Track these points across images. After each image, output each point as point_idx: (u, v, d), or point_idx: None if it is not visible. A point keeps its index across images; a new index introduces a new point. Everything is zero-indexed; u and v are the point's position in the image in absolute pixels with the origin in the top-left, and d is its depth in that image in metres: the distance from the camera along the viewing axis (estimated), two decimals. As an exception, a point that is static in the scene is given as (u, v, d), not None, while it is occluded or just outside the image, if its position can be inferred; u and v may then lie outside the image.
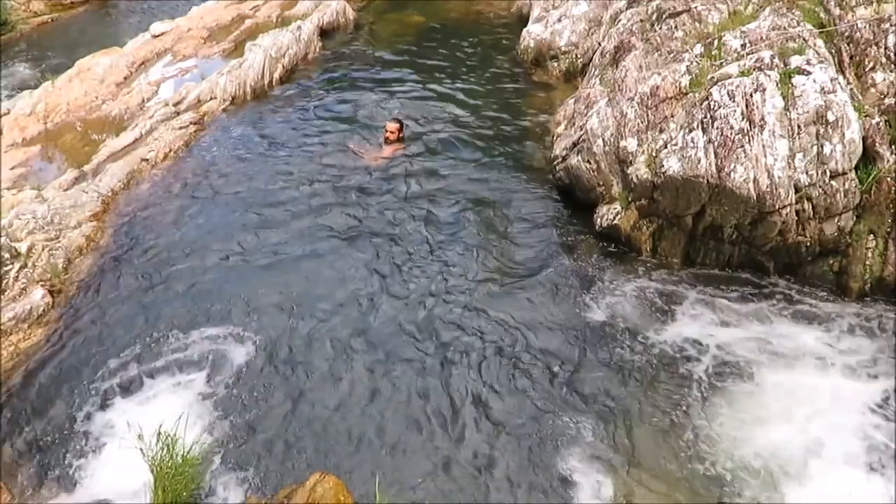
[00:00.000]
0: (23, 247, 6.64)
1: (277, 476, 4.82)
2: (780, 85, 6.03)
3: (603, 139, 6.93)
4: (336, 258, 6.80)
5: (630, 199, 6.71)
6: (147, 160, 8.28)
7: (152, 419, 4.98)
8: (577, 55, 9.89)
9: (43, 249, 6.69)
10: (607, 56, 8.21)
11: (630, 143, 6.67)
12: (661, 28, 7.50)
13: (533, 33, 10.47)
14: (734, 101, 6.04)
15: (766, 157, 5.84)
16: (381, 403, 5.34)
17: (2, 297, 6.27)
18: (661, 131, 6.52)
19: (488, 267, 6.70)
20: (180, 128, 8.89)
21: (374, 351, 5.80)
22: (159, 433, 4.65)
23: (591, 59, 9.11)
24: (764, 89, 6.00)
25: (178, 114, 9.27)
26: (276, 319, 6.10)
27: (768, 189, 5.82)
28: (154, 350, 5.78)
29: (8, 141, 8.83)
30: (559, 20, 10.33)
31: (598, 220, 6.95)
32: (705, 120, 6.16)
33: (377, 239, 7.02)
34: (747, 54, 6.41)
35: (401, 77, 10.31)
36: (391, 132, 8.46)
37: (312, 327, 6.02)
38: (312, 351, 5.81)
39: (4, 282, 6.33)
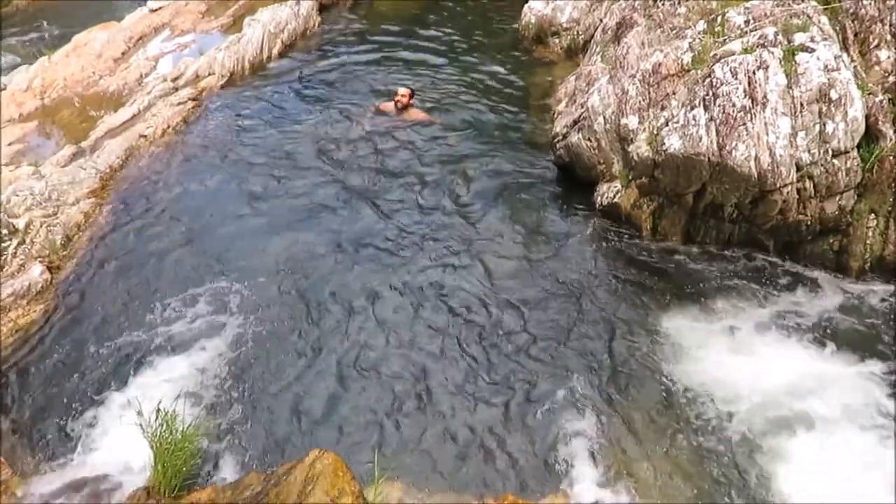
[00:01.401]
0: (20, 223, 6.61)
1: (277, 452, 4.82)
2: (783, 62, 5.95)
3: (604, 117, 6.87)
4: (338, 225, 6.84)
5: (630, 177, 6.66)
6: (145, 136, 8.22)
7: (152, 394, 5.02)
8: (578, 31, 9.80)
9: (41, 226, 6.66)
10: (609, 32, 8.12)
11: (631, 121, 6.61)
12: (663, 4, 7.40)
13: (534, 9, 10.35)
14: (737, 79, 5.97)
15: (767, 135, 5.79)
16: (384, 380, 5.33)
17: (0, 273, 6.25)
18: (663, 109, 6.46)
19: (486, 239, 6.69)
20: (178, 103, 8.82)
21: (376, 325, 5.79)
22: (158, 409, 4.64)
23: (592, 36, 9.03)
24: (767, 67, 5.93)
25: (176, 89, 9.20)
26: (277, 291, 6.10)
27: (770, 167, 5.77)
28: (152, 325, 5.77)
29: (5, 117, 8.76)
30: (561, -4, 10.20)
31: (599, 198, 6.91)
32: (707, 97, 6.10)
33: (378, 207, 7.04)
34: (750, 31, 6.32)
35: (400, 53, 10.23)
36: (402, 96, 8.54)
37: (314, 298, 6.02)
38: (314, 324, 5.79)
39: (3, 258, 6.30)
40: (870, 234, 6.00)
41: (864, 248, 6.01)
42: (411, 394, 5.24)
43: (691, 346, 5.53)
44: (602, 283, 6.22)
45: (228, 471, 4.71)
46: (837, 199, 5.94)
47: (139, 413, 4.60)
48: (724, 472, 4.63)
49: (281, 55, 10.20)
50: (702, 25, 6.72)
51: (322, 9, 11.52)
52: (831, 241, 6.11)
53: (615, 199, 6.74)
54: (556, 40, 10.02)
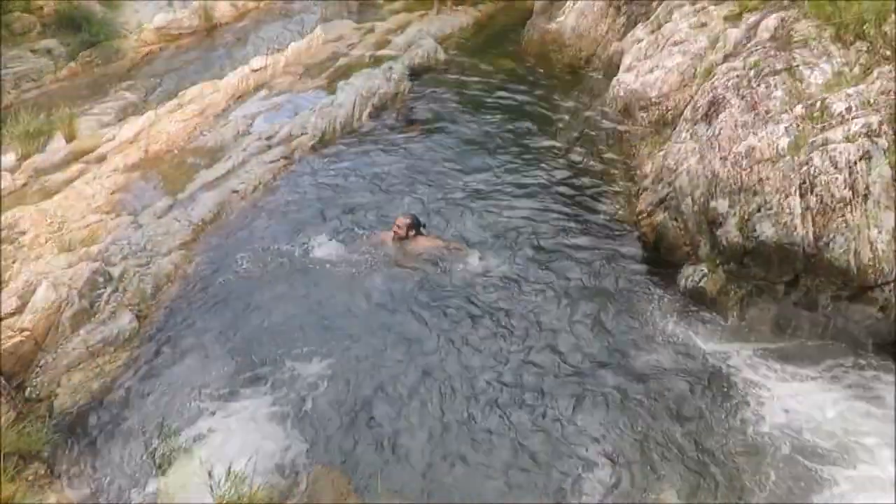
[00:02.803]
0: (116, 271, 6.89)
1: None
2: (887, 153, 5.69)
3: (692, 197, 6.71)
4: (421, 314, 6.70)
5: (718, 261, 6.45)
6: (237, 192, 8.51)
7: (223, 455, 5.06)
8: (667, 107, 9.63)
9: (134, 275, 6.92)
10: (699, 111, 7.95)
11: (721, 204, 6.43)
12: (758, 86, 7.22)
13: (623, 83, 10.29)
14: (836, 168, 5.74)
15: (869, 228, 5.51)
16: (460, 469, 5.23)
17: (94, 318, 6.49)
18: (755, 194, 6.25)
19: (567, 317, 6.56)
20: (271, 161, 9.12)
21: (440, 396, 5.73)
22: (228, 472, 4.66)
23: (681, 113, 8.87)
24: (870, 157, 5.68)
25: (269, 147, 9.52)
26: (356, 361, 6.09)
27: (871, 263, 5.47)
28: (231, 383, 5.86)
29: (111, 166, 9.22)
30: (651, 71, 10.12)
31: (683, 280, 6.70)
32: (804, 185, 5.87)
33: (453, 296, 6.92)
34: (853, 119, 6.09)
35: (486, 123, 10.32)
36: (399, 227, 7.44)
37: (392, 371, 6.00)
38: (393, 398, 5.76)
39: (96, 304, 6.55)
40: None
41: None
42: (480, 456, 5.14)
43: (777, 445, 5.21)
44: (682, 366, 5.98)
45: (294, 539, 4.66)
46: (945, 300, 5.57)
47: (209, 474, 4.63)
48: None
49: (371, 118, 10.46)
50: (799, 110, 6.51)
51: (414, 74, 11.82)
52: (939, 344, 5.72)
53: (701, 283, 6.51)
54: (644, 115, 9.87)
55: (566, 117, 10.34)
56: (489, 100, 11.02)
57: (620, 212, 8.07)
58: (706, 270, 6.53)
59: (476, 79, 11.79)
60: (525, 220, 7.97)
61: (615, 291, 6.87)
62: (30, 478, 4.85)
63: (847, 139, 5.88)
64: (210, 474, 4.65)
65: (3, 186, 8.75)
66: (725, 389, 5.73)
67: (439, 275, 7.13)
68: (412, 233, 7.43)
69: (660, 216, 6.99)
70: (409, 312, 6.67)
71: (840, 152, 5.79)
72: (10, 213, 8.15)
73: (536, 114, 10.44)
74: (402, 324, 6.55)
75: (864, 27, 6.91)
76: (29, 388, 5.87)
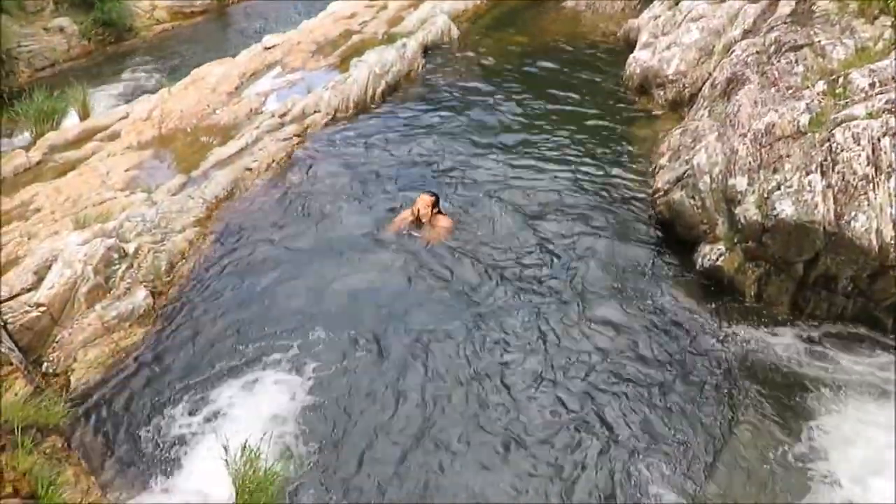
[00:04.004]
0: (131, 247, 6.87)
1: (357, 500, 4.75)
2: (912, 130, 5.57)
3: (710, 175, 6.61)
4: (442, 291, 6.67)
5: (736, 240, 6.35)
6: (251, 169, 8.47)
7: (239, 429, 5.05)
8: (684, 85, 9.51)
9: (149, 252, 6.90)
10: (718, 88, 7.83)
11: (740, 182, 6.32)
12: (779, 62, 7.09)
13: (639, 60, 10.17)
14: (859, 145, 5.62)
15: (892, 206, 5.40)
16: (472, 435, 5.21)
17: (109, 294, 6.49)
18: (775, 171, 6.14)
19: (579, 294, 6.52)
20: (284, 139, 9.08)
21: (473, 383, 5.66)
22: (244, 447, 4.66)
23: (699, 90, 8.74)
24: (894, 133, 5.55)
25: (282, 125, 9.47)
26: (369, 340, 6.06)
27: (892, 241, 5.37)
28: (244, 360, 5.85)
29: (125, 143, 9.21)
30: (668, 47, 9.99)
31: (700, 259, 6.62)
32: (825, 163, 5.76)
33: (477, 276, 6.85)
34: (876, 94, 5.96)
35: (500, 99, 10.22)
36: (423, 206, 7.31)
37: (409, 348, 5.97)
38: (408, 373, 5.73)
39: (111, 281, 6.56)
40: None
41: None
42: (497, 445, 5.11)
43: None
44: (699, 350, 5.92)
45: (308, 515, 4.67)
46: (968, 279, 5.47)
47: (225, 448, 4.64)
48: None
49: (385, 96, 10.38)
50: (821, 86, 6.38)
51: (427, 51, 11.71)
52: (959, 324, 5.63)
53: (718, 262, 6.43)
54: (661, 92, 9.76)
55: (582, 95, 10.19)
56: (503, 77, 10.90)
57: (636, 189, 7.97)
58: (723, 249, 6.44)
59: (490, 56, 11.66)
60: (538, 197, 7.89)
61: (629, 270, 6.80)
62: (47, 451, 4.87)
63: (870, 115, 5.75)
64: (225, 449, 4.64)
65: (18, 164, 8.76)
66: (743, 371, 5.66)
67: (460, 253, 7.06)
68: (434, 210, 7.34)
69: (676, 194, 6.88)
70: (433, 292, 6.64)
71: (863, 129, 5.67)
72: (25, 190, 8.17)
73: (551, 91, 10.31)
74: (426, 303, 6.51)
75: (889, 2, 6.76)
76: (46, 363, 5.89)
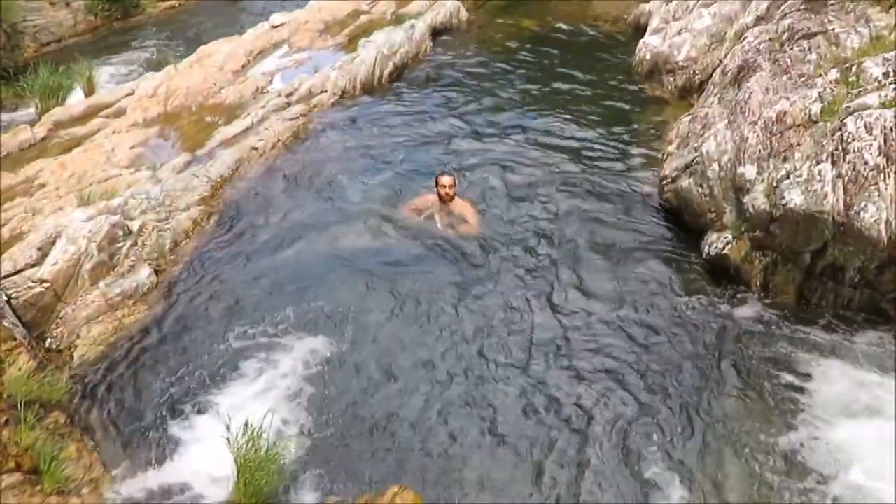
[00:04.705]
0: (135, 225, 6.86)
1: (358, 481, 4.75)
2: (925, 120, 5.51)
3: (719, 163, 6.56)
4: (442, 270, 6.65)
5: (743, 229, 6.31)
6: (256, 149, 8.45)
7: (241, 409, 5.06)
8: (695, 71, 9.45)
9: (153, 229, 6.89)
10: (729, 75, 7.75)
11: (749, 170, 6.27)
12: (791, 49, 7.01)
13: (650, 45, 10.09)
14: (871, 135, 5.56)
15: (902, 197, 5.35)
16: (472, 419, 5.19)
17: (113, 272, 6.49)
18: (785, 160, 6.08)
19: (584, 281, 6.47)
20: (290, 119, 9.05)
21: (473, 368, 5.63)
22: (246, 426, 4.67)
23: (710, 77, 8.66)
24: (907, 124, 5.49)
25: (289, 104, 9.44)
26: (373, 319, 6.04)
27: (902, 233, 5.32)
28: (248, 339, 5.83)
29: (130, 121, 9.19)
30: (679, 33, 9.90)
31: (706, 247, 6.58)
32: (836, 152, 5.70)
33: (474, 253, 6.86)
34: (890, 84, 5.89)
35: (508, 82, 10.19)
36: (447, 187, 7.16)
37: (412, 332, 5.94)
38: (409, 356, 5.71)
39: (115, 258, 6.55)
40: None
41: None
42: (504, 434, 5.07)
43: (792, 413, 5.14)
44: (703, 332, 5.89)
45: (309, 495, 4.66)
46: (978, 272, 5.43)
47: (227, 427, 4.65)
48: None
49: (392, 77, 10.34)
50: (834, 74, 6.31)
51: (435, 33, 11.63)
52: (967, 317, 5.59)
53: (724, 251, 6.39)
54: (671, 79, 9.69)
55: (591, 80, 10.13)
56: (511, 60, 10.84)
57: (644, 176, 7.93)
58: (730, 237, 6.40)
59: (499, 38, 11.61)
60: (544, 182, 7.85)
61: (635, 257, 6.76)
62: (50, 426, 4.88)
63: (883, 105, 5.68)
64: (227, 428, 4.65)
65: (23, 139, 8.74)
66: (748, 361, 5.63)
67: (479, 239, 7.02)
68: (454, 190, 7.22)
69: (684, 181, 6.84)
70: (454, 276, 6.59)
71: (875, 118, 5.60)
72: (30, 165, 8.16)
73: (559, 75, 10.26)
74: (444, 288, 6.44)
75: (906, -11, 6.67)
76: (49, 339, 5.89)
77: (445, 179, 7.19)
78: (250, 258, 6.78)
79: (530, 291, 6.35)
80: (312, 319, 6.00)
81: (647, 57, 10.01)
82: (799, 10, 7.60)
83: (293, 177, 8.01)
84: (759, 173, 6.21)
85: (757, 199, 6.12)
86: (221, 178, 7.91)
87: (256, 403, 5.16)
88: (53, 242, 6.33)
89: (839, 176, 5.61)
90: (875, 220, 5.38)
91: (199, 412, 5.26)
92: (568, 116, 9.18)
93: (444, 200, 7.18)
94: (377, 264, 6.68)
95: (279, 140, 8.66)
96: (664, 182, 7.31)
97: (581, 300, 6.26)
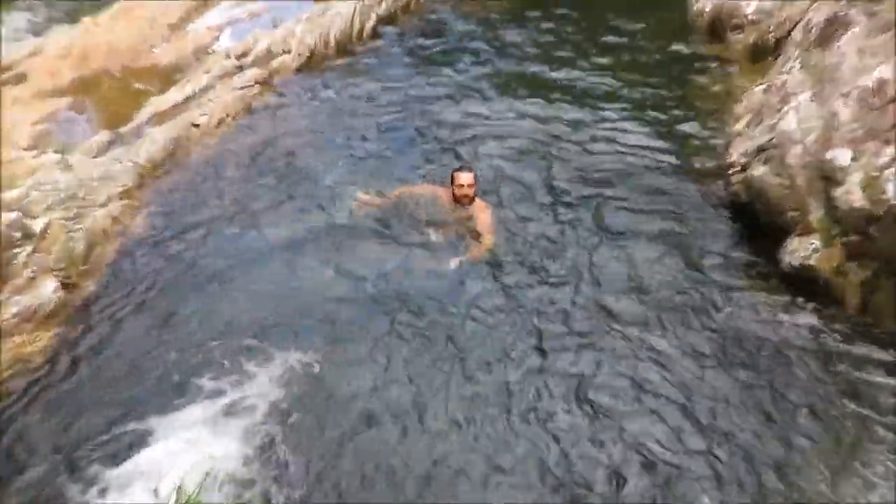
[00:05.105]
0: (38, 225, 6.85)
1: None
2: None
3: (803, 146, 6.56)
4: (423, 281, 6.68)
5: (835, 232, 6.30)
6: (198, 126, 8.52)
7: (174, 465, 5.01)
8: (769, 27, 9.51)
9: (61, 231, 6.88)
10: (813, 32, 7.78)
11: (840, 156, 6.27)
12: None
13: (710, -7, 10.16)
14: None
15: None
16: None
17: (6, 286, 6.46)
18: (888, 143, 6.08)
19: (632, 298, 6.51)
20: (242, 87, 9.11)
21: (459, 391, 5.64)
22: (179, 489, 4.63)
23: (788, 35, 8.72)
24: None
25: (240, 69, 9.51)
26: (331, 343, 6.05)
27: None
28: (181, 374, 5.79)
29: (34, 88, 9.19)
30: (748, -23, 9.96)
31: (786, 256, 6.56)
32: (956, 132, 5.70)
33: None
34: None
35: (529, 40, 10.24)
36: (467, 186, 7.11)
37: (371, 356, 5.96)
38: (370, 385, 5.72)
39: (10, 267, 6.51)
40: None
41: None
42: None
43: None
44: (782, 375, 5.85)
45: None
46: None
47: (155, 492, 4.62)
48: None
49: (376, 33, 10.36)
50: (953, 30, 6.32)
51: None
52: None
53: (810, 261, 6.37)
54: (739, 36, 9.79)
55: (636, 37, 10.17)
56: (535, 9, 10.90)
57: (706, 163, 7.99)
58: (818, 244, 6.39)
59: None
60: (577, 168, 7.93)
61: (693, 269, 6.75)
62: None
63: None
64: (156, 493, 4.62)
65: None
66: (840, 398, 5.59)
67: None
68: (474, 191, 7.14)
69: (758, 170, 6.86)
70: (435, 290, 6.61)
71: None
72: None
73: (595, 30, 10.33)
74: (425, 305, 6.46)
75: None
76: (-80, 375, 5.87)
77: (464, 177, 7.13)
78: (187, 269, 6.79)
79: (562, 310, 6.33)
80: (258, 345, 5.98)
81: (708, 7, 10.10)
82: (906, -53, 7.61)
83: (245, 162, 8.05)
84: (854, 159, 6.21)
85: (851, 194, 6.11)
86: (152, 164, 7.97)
87: (192, 460, 5.09)
88: (-71, 246, 6.32)
89: (960, 163, 5.60)
90: None
91: (116, 473, 5.16)
92: (606, 84, 9.26)
93: (461, 202, 7.15)
94: (352, 284, 6.68)
95: (228, 114, 8.73)
96: (731, 170, 7.37)
97: (635, 335, 6.21)
